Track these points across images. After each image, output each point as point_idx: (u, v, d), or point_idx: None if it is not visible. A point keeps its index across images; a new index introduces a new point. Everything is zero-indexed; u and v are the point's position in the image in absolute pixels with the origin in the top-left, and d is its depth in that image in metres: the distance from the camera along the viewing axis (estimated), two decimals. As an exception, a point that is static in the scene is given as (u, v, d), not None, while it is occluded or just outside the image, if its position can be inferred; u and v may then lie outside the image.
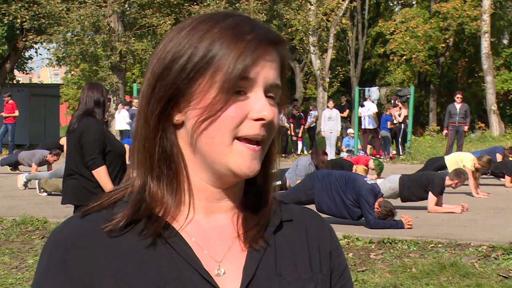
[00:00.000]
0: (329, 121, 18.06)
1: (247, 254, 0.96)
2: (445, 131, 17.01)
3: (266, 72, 0.92)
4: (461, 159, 10.58)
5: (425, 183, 8.55)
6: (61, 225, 0.97)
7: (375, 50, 36.47)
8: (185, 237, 0.94)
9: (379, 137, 18.40)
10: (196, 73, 0.91)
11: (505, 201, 9.80)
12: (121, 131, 17.96)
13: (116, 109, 21.04)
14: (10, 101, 19.51)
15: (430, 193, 8.50)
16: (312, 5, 24.32)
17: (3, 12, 21.08)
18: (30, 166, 12.93)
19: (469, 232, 7.07)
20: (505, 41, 35.64)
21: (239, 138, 0.91)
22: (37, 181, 10.82)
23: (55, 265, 0.93)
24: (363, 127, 18.37)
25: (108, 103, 5.28)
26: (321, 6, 26.15)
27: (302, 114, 20.93)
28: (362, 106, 18.78)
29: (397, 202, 8.48)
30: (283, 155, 19.43)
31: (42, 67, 63.97)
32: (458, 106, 16.24)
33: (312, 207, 7.40)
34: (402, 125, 18.26)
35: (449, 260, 5.65)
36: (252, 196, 1.00)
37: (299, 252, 1.00)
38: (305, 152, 19.70)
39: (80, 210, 0.99)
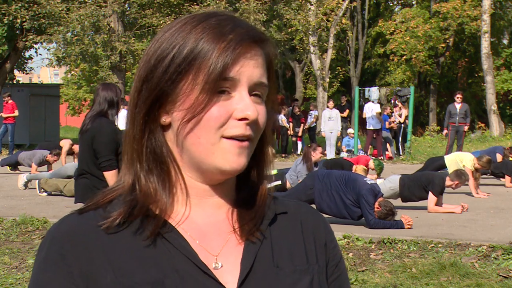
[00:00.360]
0: (329, 121, 18.06)
1: (244, 247, 0.96)
2: (445, 131, 17.02)
3: (249, 71, 0.92)
4: (461, 159, 10.58)
5: (425, 183, 8.55)
6: (59, 222, 0.98)
7: (375, 50, 36.47)
8: (181, 233, 0.95)
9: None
10: (178, 75, 0.92)
11: (505, 201, 9.80)
12: (121, 131, 17.96)
13: (116, 109, 21.04)
14: (10, 101, 19.50)
15: (430, 193, 8.50)
16: (312, 5, 24.31)
17: (3, 12, 21.09)
18: (30, 166, 12.93)
19: (469, 232, 7.07)
20: (505, 41, 35.65)
21: (225, 138, 0.92)
22: (37, 181, 10.81)
23: (54, 259, 0.93)
24: (368, 127, 18.34)
25: (122, 104, 5.30)
26: (321, 6, 26.14)
27: (301, 113, 20.94)
28: (363, 107, 18.74)
29: (397, 202, 8.48)
30: (283, 155, 19.44)
31: (42, 67, 63.97)
32: (458, 106, 16.24)
33: (312, 207, 7.40)
34: (402, 125, 18.26)
35: (449, 260, 5.65)
36: (246, 193, 1.01)
37: (294, 244, 1.01)
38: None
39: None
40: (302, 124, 20.26)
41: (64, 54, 21.05)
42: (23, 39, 23.45)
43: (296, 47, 27.52)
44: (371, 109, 17.90)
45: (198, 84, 0.91)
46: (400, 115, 18.16)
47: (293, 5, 21.06)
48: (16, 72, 30.04)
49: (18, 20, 21.10)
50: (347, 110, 20.79)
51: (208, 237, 0.97)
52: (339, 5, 28.00)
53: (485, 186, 11.11)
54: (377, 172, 11.45)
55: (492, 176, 11.99)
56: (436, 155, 15.96)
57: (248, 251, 0.96)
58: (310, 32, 24.85)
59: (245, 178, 1.01)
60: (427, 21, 31.10)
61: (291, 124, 20.11)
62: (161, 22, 20.33)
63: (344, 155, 17.66)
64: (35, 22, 20.94)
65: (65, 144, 13.28)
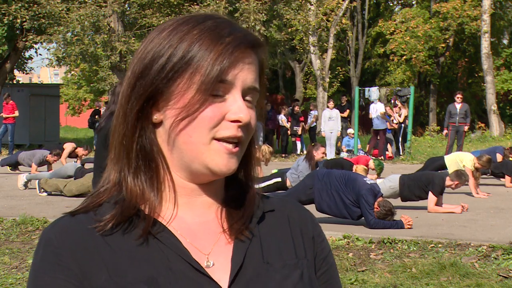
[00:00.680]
0: (329, 121, 18.06)
1: (233, 245, 0.98)
2: (445, 131, 17.02)
3: (244, 75, 0.94)
4: (461, 159, 10.58)
5: (425, 183, 8.55)
6: (52, 224, 0.99)
7: (375, 50, 36.47)
8: (173, 232, 0.96)
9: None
10: (175, 73, 0.93)
11: (505, 201, 9.80)
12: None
13: (116, 109, 21.04)
14: (10, 101, 19.49)
15: (430, 193, 8.50)
16: (312, 5, 24.29)
17: (3, 12, 21.09)
18: (30, 166, 12.93)
19: (469, 232, 7.07)
20: (505, 41, 35.64)
21: (217, 139, 0.93)
22: (37, 181, 10.81)
23: (50, 260, 0.94)
24: (374, 128, 18.33)
25: None
26: (321, 6, 26.14)
27: (300, 113, 20.94)
28: (363, 107, 18.73)
29: (397, 202, 8.48)
30: (283, 155, 19.44)
31: (42, 67, 63.97)
32: (458, 106, 16.25)
33: (312, 206, 7.40)
34: (402, 125, 18.25)
35: (449, 260, 5.65)
36: (234, 192, 1.03)
37: (283, 240, 1.03)
38: (305, 152, 19.69)
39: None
40: (301, 123, 20.26)
41: (64, 54, 21.05)
42: (23, 39, 23.45)
43: (296, 47, 27.52)
44: (376, 109, 17.88)
45: (194, 84, 0.92)
46: (400, 115, 18.14)
47: (293, 5, 21.05)
48: (16, 72, 30.04)
49: (18, 20, 21.10)
50: (348, 110, 20.79)
51: (199, 236, 0.98)
52: (339, 5, 28.00)
53: (485, 186, 11.11)
54: (377, 172, 11.45)
55: (492, 176, 11.98)
56: (436, 155, 15.96)
57: (238, 249, 0.98)
58: (310, 32, 24.84)
59: (234, 177, 1.02)
60: (427, 21, 31.09)
61: (289, 123, 20.10)
62: (161, 22, 20.30)
63: (344, 155, 17.66)
64: (35, 22, 20.93)
65: (67, 146, 13.26)
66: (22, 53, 27.13)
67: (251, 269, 0.97)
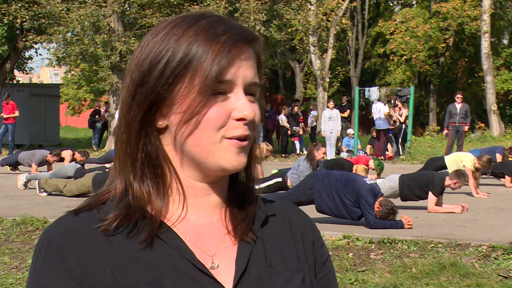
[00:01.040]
0: (329, 121, 18.05)
1: (238, 247, 0.99)
2: (445, 131, 17.02)
3: (244, 72, 0.94)
4: (461, 159, 10.58)
5: (425, 183, 8.55)
6: (55, 223, 0.98)
7: (375, 50, 36.46)
8: (178, 233, 0.96)
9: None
10: (174, 78, 0.93)
11: (505, 201, 9.80)
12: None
13: (116, 109, 21.06)
14: (10, 102, 19.49)
15: (430, 193, 8.50)
16: (312, 5, 24.31)
17: (3, 12, 21.09)
18: (30, 166, 12.93)
19: (469, 232, 7.07)
20: (505, 41, 35.64)
21: (227, 138, 0.94)
22: (37, 181, 10.81)
23: (54, 261, 0.93)
24: (376, 128, 18.31)
25: None
26: (321, 6, 26.14)
27: (300, 113, 20.94)
28: (363, 107, 18.72)
29: (397, 202, 8.47)
30: (283, 155, 19.45)
31: (42, 67, 63.98)
32: (458, 106, 16.25)
33: (312, 207, 7.41)
34: (403, 125, 18.25)
35: (449, 260, 5.65)
36: (236, 192, 1.03)
37: (285, 244, 1.04)
38: (305, 151, 19.70)
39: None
40: (301, 123, 20.25)
41: (64, 54, 21.06)
42: (23, 39, 23.45)
43: (296, 47, 27.52)
44: (379, 110, 17.85)
45: (195, 86, 0.92)
46: (401, 115, 18.14)
47: (293, 5, 21.06)
48: (16, 72, 30.03)
49: (18, 20, 21.10)
50: (348, 110, 20.78)
51: (204, 237, 0.98)
52: (339, 5, 28.00)
53: (485, 186, 11.11)
54: (377, 172, 11.45)
55: (492, 176, 11.99)
56: (436, 155, 15.97)
57: (242, 251, 0.98)
58: (310, 32, 24.85)
59: (235, 177, 1.03)
60: (427, 21, 31.09)
61: (289, 124, 20.11)
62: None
63: (344, 155, 17.66)
64: (35, 22, 20.94)
65: (66, 155, 13.22)
66: (22, 53, 27.12)
67: (255, 272, 0.97)
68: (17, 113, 19.60)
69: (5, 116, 19.40)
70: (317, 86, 28.59)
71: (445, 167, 10.67)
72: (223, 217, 1.01)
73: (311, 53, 27.51)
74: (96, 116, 23.44)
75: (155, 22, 20.29)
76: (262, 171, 10.64)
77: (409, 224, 7.24)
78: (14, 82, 29.51)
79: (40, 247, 0.96)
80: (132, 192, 0.96)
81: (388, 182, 8.73)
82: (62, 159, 13.13)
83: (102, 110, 23.75)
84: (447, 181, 8.50)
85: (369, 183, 7.44)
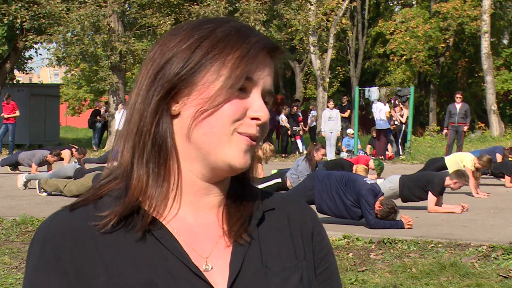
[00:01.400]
0: (329, 121, 18.05)
1: (232, 249, 0.98)
2: (445, 131, 17.02)
3: (265, 78, 0.97)
4: (461, 159, 10.58)
5: (425, 183, 8.55)
6: (50, 218, 0.98)
7: (375, 50, 36.46)
8: (173, 234, 0.95)
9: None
10: (201, 66, 0.94)
11: (505, 201, 9.80)
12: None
13: (116, 109, 21.06)
14: (10, 102, 19.48)
15: (430, 193, 8.50)
16: (312, 5, 24.32)
17: (3, 12, 21.08)
18: (30, 166, 12.92)
19: (469, 232, 7.07)
20: (505, 41, 35.64)
21: (239, 133, 0.95)
22: (37, 181, 10.81)
23: (48, 260, 0.93)
24: (377, 128, 18.30)
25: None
26: (321, 6, 26.15)
27: (299, 113, 20.94)
28: (363, 107, 18.71)
29: (397, 202, 8.46)
30: (283, 155, 19.45)
31: (42, 67, 63.98)
32: (458, 106, 16.25)
33: (312, 207, 7.40)
34: (403, 125, 18.25)
35: (449, 260, 5.65)
36: (235, 193, 1.02)
37: (282, 241, 1.02)
38: (305, 152, 19.69)
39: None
40: (300, 124, 20.26)
41: (64, 54, 21.06)
42: (23, 39, 23.44)
43: (296, 47, 27.52)
44: (380, 109, 17.84)
45: (222, 76, 0.93)
46: (401, 115, 18.13)
47: (293, 5, 21.07)
48: (16, 72, 30.03)
49: (18, 20, 21.09)
50: (348, 110, 20.78)
51: (198, 238, 0.97)
52: (339, 5, 28.00)
53: (485, 186, 11.11)
54: (378, 172, 11.46)
55: (492, 176, 11.99)
56: (436, 155, 15.97)
57: (236, 253, 0.97)
58: (310, 32, 24.87)
59: (235, 177, 1.03)
60: (427, 21, 31.09)
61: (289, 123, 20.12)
62: (161, 22, 20.33)
63: (344, 155, 17.66)
64: (35, 22, 20.93)
65: (65, 155, 13.22)
66: (22, 53, 27.11)
67: (250, 274, 0.96)
68: (17, 113, 19.59)
69: (5, 116, 19.40)
70: (317, 86, 28.60)
71: (445, 168, 10.67)
72: (220, 218, 1.00)
73: (311, 53, 27.52)
74: (97, 117, 23.44)
75: (155, 22, 20.34)
76: (263, 170, 10.65)
77: (409, 224, 7.24)
78: (14, 82, 29.50)
79: (36, 244, 0.96)
80: (133, 175, 0.95)
81: (388, 183, 8.73)
82: (62, 159, 13.14)
83: (102, 110, 23.75)
84: (447, 181, 8.51)
85: (369, 183, 7.44)
